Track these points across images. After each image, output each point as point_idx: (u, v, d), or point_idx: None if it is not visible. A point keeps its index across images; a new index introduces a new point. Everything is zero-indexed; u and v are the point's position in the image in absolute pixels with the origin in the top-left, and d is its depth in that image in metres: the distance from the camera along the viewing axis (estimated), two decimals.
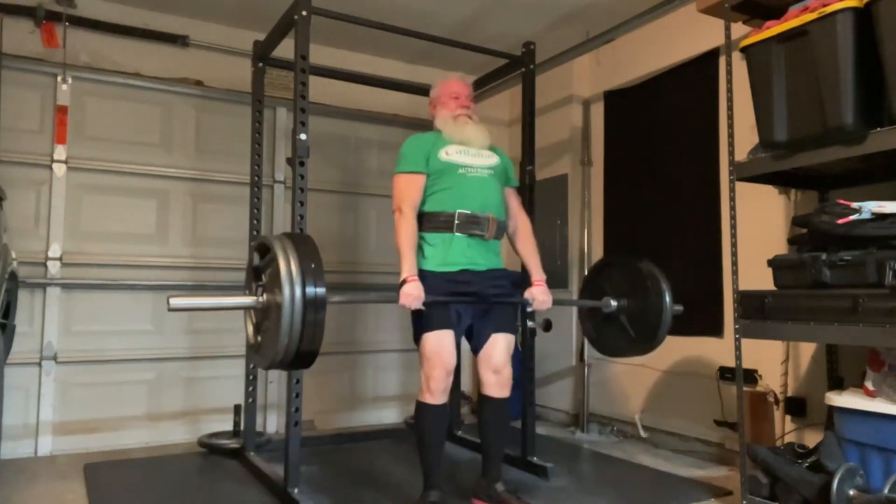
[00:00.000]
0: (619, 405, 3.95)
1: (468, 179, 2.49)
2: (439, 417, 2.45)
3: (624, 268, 2.77)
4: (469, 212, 2.46)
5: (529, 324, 3.08)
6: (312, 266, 1.94)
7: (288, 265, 1.92)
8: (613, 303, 2.70)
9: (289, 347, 1.92)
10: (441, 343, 2.39)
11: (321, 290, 1.93)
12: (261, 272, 2.04)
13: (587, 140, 4.32)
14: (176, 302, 1.85)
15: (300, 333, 1.91)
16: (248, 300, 2.05)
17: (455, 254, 2.45)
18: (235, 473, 3.06)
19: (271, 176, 4.07)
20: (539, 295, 2.57)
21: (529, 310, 2.61)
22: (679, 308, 2.68)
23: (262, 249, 2.04)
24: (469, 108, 2.63)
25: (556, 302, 2.61)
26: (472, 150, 2.55)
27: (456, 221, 2.44)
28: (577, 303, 2.90)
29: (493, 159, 2.60)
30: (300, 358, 1.99)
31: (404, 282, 2.33)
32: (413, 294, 2.30)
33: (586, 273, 3.01)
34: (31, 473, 3.04)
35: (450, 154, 2.50)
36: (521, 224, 2.70)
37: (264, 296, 2.01)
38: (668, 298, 2.60)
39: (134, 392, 3.63)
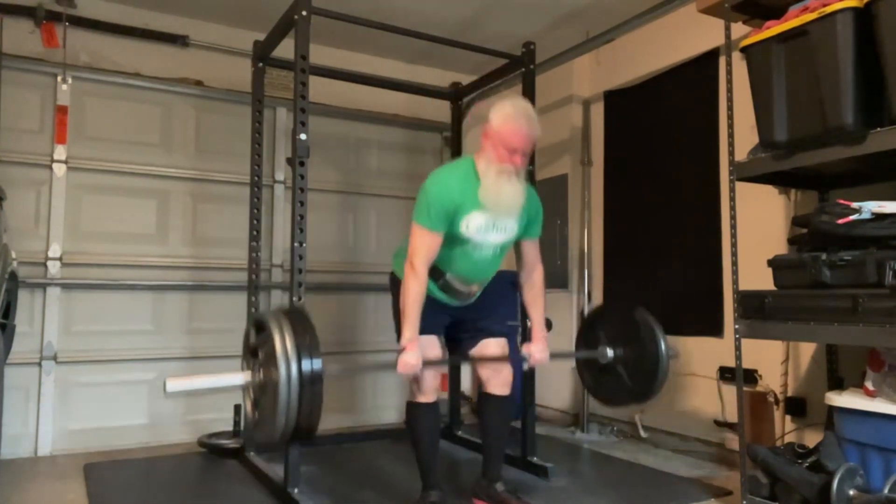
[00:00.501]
0: (619, 405, 3.95)
1: (472, 254, 2.41)
2: (432, 416, 2.46)
3: (618, 316, 2.77)
4: (457, 277, 2.43)
5: (529, 323, 3.07)
6: (308, 342, 1.94)
7: (283, 343, 1.92)
8: (609, 353, 2.69)
9: (287, 424, 1.92)
10: (427, 345, 2.38)
11: (317, 366, 1.94)
12: (257, 350, 2.05)
13: (587, 140, 4.32)
14: (172, 386, 1.87)
15: (297, 410, 1.91)
16: (244, 378, 2.07)
17: (437, 294, 2.46)
18: (235, 473, 3.06)
19: (271, 176, 4.07)
20: (537, 352, 2.50)
21: (526, 367, 2.58)
22: (674, 353, 2.67)
23: (259, 327, 2.06)
24: (522, 165, 2.31)
25: (553, 355, 2.57)
26: (492, 223, 2.36)
27: (441, 280, 2.42)
28: (574, 355, 2.88)
29: (510, 231, 2.43)
30: (299, 434, 1.98)
31: (403, 349, 2.26)
32: (411, 363, 2.23)
33: (581, 322, 2.98)
34: (31, 473, 3.04)
35: (469, 228, 2.33)
36: (535, 278, 2.58)
37: (261, 373, 2.02)
38: (663, 346, 2.59)
39: (134, 392, 3.63)
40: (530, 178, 3.18)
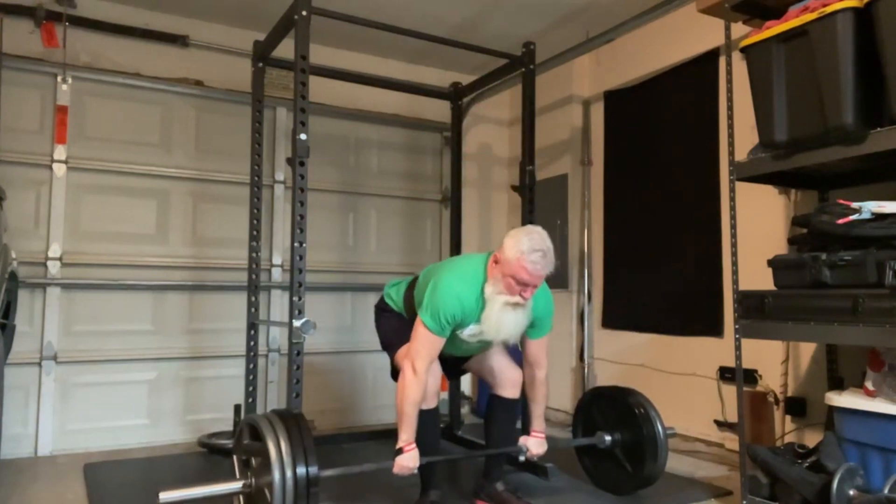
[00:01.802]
0: None
1: (462, 346, 2.44)
2: (431, 420, 2.46)
3: (613, 399, 2.77)
4: (445, 353, 2.42)
5: None
6: (303, 445, 1.96)
7: (278, 449, 1.93)
8: (608, 438, 2.68)
9: None
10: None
11: (313, 470, 1.95)
12: (250, 456, 2.05)
13: (587, 140, 4.32)
14: (165, 497, 1.90)
15: None
16: (237, 486, 2.07)
17: None
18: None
19: (271, 176, 4.07)
20: (534, 447, 2.49)
21: (522, 459, 2.56)
22: (672, 431, 2.67)
23: (253, 431, 2.05)
24: (528, 297, 2.26)
25: (551, 447, 2.56)
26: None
27: None
28: (573, 443, 2.88)
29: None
30: None
31: (400, 450, 2.25)
32: (409, 466, 2.24)
33: (577, 404, 2.97)
34: (31, 473, 3.04)
35: (464, 333, 2.36)
36: (538, 377, 2.54)
37: (253, 480, 2.02)
38: (659, 427, 2.59)
39: (134, 392, 3.63)
40: (531, 180, 3.20)
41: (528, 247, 2.20)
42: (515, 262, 2.19)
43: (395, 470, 2.24)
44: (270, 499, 1.89)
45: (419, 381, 2.25)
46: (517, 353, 2.65)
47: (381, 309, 2.67)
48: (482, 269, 2.33)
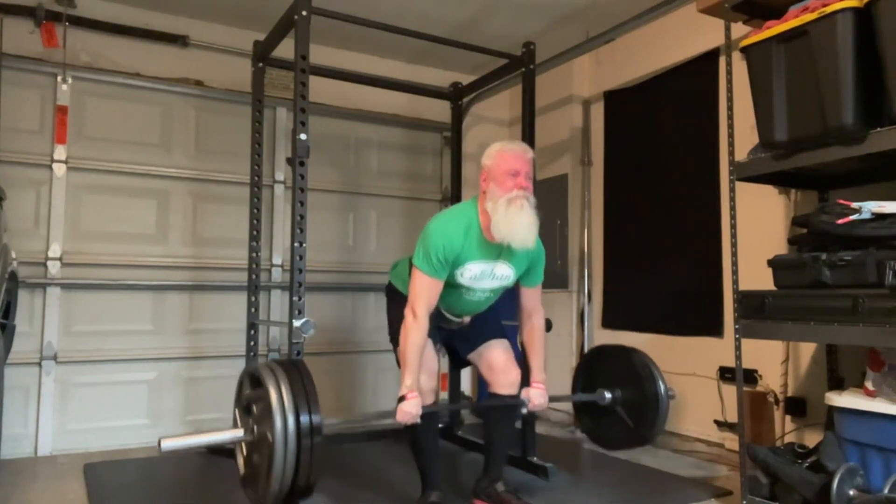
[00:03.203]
0: None
1: (465, 296, 2.44)
2: (430, 418, 2.45)
3: (615, 358, 2.76)
4: (448, 311, 2.46)
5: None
6: (305, 393, 1.90)
7: (279, 395, 1.88)
8: (608, 395, 2.67)
9: (283, 481, 1.87)
10: (424, 355, 2.37)
11: (317, 419, 1.90)
12: (251, 405, 2.02)
13: (587, 140, 4.32)
14: (167, 444, 1.84)
15: (294, 466, 1.86)
16: (238, 434, 2.02)
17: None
18: (235, 473, 3.05)
19: (271, 176, 4.07)
20: (536, 398, 2.49)
21: (524, 411, 2.57)
22: (673, 394, 2.66)
23: (254, 380, 2.02)
24: (528, 189, 2.29)
25: (552, 399, 2.56)
26: (491, 271, 2.37)
27: (432, 312, 2.41)
28: (573, 398, 2.86)
29: (505, 279, 2.43)
30: (296, 492, 1.93)
31: (403, 398, 2.24)
32: (411, 412, 2.22)
33: (576, 364, 2.97)
34: (31, 473, 3.04)
35: (464, 276, 2.35)
36: (536, 325, 2.56)
37: (255, 428, 1.98)
38: (662, 386, 2.58)
39: (134, 392, 3.63)
40: None
41: (502, 144, 2.37)
42: (498, 156, 2.30)
43: (398, 417, 2.22)
44: (272, 446, 1.84)
45: (420, 326, 2.26)
46: (517, 353, 2.65)
47: (391, 292, 2.64)
48: (470, 203, 2.40)
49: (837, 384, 2.67)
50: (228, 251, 3.87)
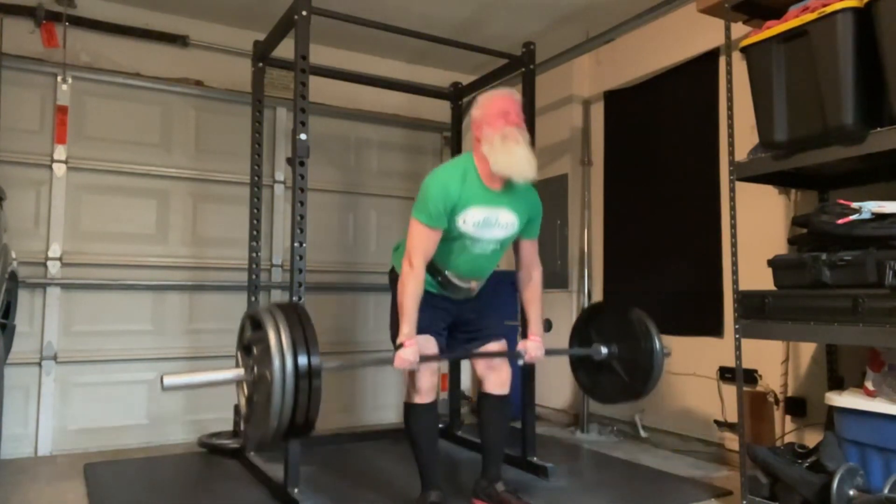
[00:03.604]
0: (618, 405, 3.95)
1: (471, 250, 2.41)
2: (429, 416, 2.45)
3: (613, 315, 2.78)
4: (455, 275, 2.45)
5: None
6: (304, 335, 1.91)
7: (278, 336, 1.89)
8: (604, 350, 2.69)
9: (281, 421, 1.89)
10: (424, 344, 2.37)
11: (315, 360, 1.90)
12: (251, 346, 2.03)
13: (587, 140, 4.32)
14: (169, 382, 1.85)
15: (293, 406, 1.88)
16: (238, 374, 2.05)
17: (436, 289, 2.48)
18: (235, 473, 3.06)
19: (271, 176, 4.07)
20: (532, 350, 2.52)
21: (521, 363, 2.59)
22: (668, 352, 2.68)
23: (254, 322, 2.04)
24: (520, 126, 2.33)
25: (548, 352, 2.58)
26: (494, 218, 2.37)
27: (440, 277, 2.44)
28: (568, 352, 2.89)
29: (511, 226, 2.43)
30: (294, 430, 1.95)
31: (401, 345, 2.26)
32: (409, 359, 2.24)
33: (575, 320, 3.00)
34: (31, 473, 3.04)
35: (467, 223, 2.33)
36: (533, 278, 2.59)
37: (255, 369, 2.00)
38: (657, 343, 2.60)
39: (134, 392, 3.63)
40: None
41: (488, 93, 2.43)
42: (486, 102, 2.38)
43: (396, 363, 2.24)
44: (270, 384, 1.86)
45: (416, 276, 2.30)
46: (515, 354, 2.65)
47: (392, 279, 2.61)
48: (466, 155, 2.46)
49: (837, 384, 2.67)
50: (228, 251, 3.87)
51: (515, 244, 2.55)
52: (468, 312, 2.57)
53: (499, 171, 2.28)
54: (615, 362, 2.70)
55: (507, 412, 2.59)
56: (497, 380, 2.53)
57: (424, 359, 2.31)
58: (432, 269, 2.40)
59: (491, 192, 2.36)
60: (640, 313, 2.70)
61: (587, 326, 2.86)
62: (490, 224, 2.38)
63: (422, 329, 2.35)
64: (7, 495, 2.69)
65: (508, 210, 2.40)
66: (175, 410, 3.72)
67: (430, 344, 2.42)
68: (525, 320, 2.65)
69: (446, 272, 2.44)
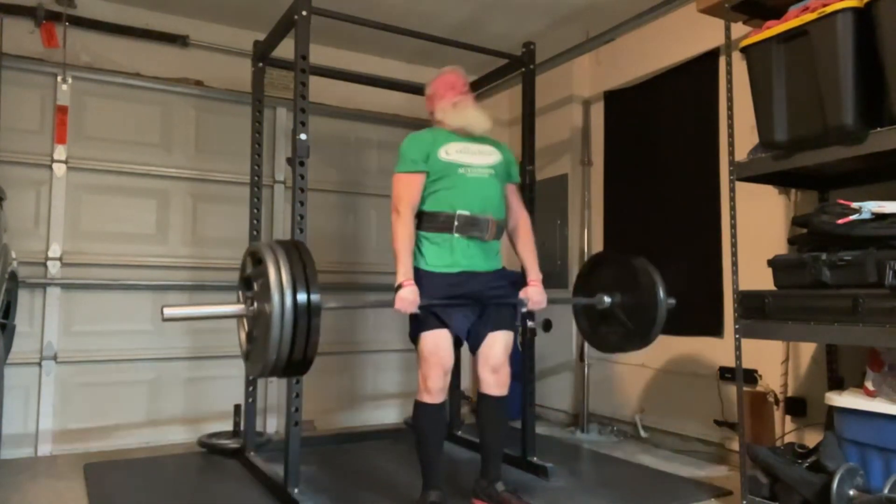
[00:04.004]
0: (618, 405, 3.95)
1: (468, 180, 2.47)
2: (438, 416, 2.46)
3: (616, 264, 2.79)
4: (469, 213, 2.44)
5: (529, 324, 3.08)
6: (304, 272, 1.91)
7: (278, 272, 1.89)
8: (607, 299, 2.71)
9: (279, 356, 1.89)
10: (438, 343, 2.39)
11: (315, 297, 1.90)
12: (252, 281, 2.03)
13: (587, 140, 4.32)
14: (169, 312, 1.86)
15: (291, 342, 1.89)
16: (238, 308, 2.05)
17: (455, 255, 2.44)
18: (235, 473, 3.06)
19: (271, 176, 4.07)
20: (534, 295, 2.56)
21: (524, 310, 2.60)
22: (672, 301, 2.69)
23: (254, 258, 2.03)
24: (467, 94, 2.61)
25: (550, 300, 2.61)
26: (473, 148, 2.51)
27: (455, 223, 2.43)
28: (572, 300, 2.90)
29: (494, 157, 2.56)
30: (292, 367, 1.96)
31: (400, 286, 2.32)
32: (409, 299, 2.30)
33: (580, 271, 3.02)
34: (31, 473, 3.04)
35: (450, 154, 2.46)
36: (521, 222, 2.68)
37: (254, 304, 1.99)
38: (661, 292, 2.62)
39: (134, 392, 3.63)
40: (530, 178, 3.20)
41: (436, 73, 2.72)
42: (435, 81, 2.67)
43: (396, 305, 2.31)
44: (269, 318, 1.85)
45: (404, 222, 2.40)
46: (516, 352, 2.65)
47: None
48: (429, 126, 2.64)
49: (837, 384, 2.67)
50: (228, 251, 3.86)
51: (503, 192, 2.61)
52: (479, 313, 2.52)
53: (455, 125, 2.51)
54: (618, 311, 2.70)
55: (506, 413, 2.59)
56: (496, 381, 2.53)
57: (426, 303, 2.34)
58: (446, 221, 2.43)
59: (461, 136, 2.54)
60: (644, 262, 2.70)
61: (591, 275, 2.86)
62: (471, 152, 2.51)
63: (437, 324, 2.38)
64: (7, 495, 2.69)
65: (482, 144, 2.56)
66: (175, 410, 3.72)
67: (444, 338, 2.41)
68: (522, 268, 2.68)
69: (458, 213, 2.43)
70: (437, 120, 2.58)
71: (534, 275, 2.61)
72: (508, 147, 2.72)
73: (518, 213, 2.68)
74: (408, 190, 2.44)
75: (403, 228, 2.39)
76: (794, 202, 3.05)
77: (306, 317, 1.90)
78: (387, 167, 4.48)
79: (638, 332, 2.66)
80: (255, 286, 2.00)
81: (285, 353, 1.90)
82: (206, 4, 3.77)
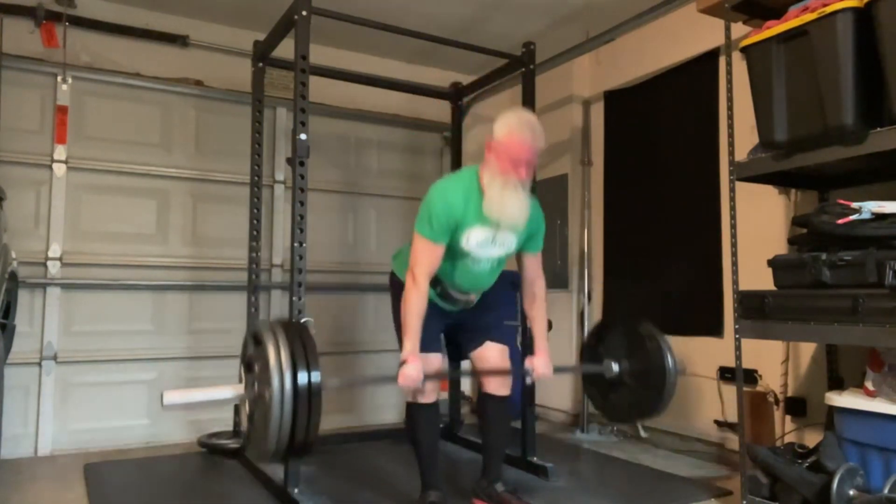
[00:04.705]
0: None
1: (472, 267, 2.41)
2: (431, 416, 2.46)
3: (623, 329, 2.75)
4: (456, 289, 2.45)
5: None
6: (305, 355, 1.89)
7: (277, 353, 1.87)
8: (615, 367, 2.66)
9: (280, 440, 1.87)
10: (428, 361, 2.37)
11: (315, 378, 1.89)
12: (252, 363, 2.03)
13: (587, 140, 4.32)
14: (169, 399, 1.86)
15: (292, 425, 1.87)
16: (238, 392, 2.03)
17: (444, 302, 2.48)
18: (235, 473, 3.06)
19: (271, 176, 4.07)
20: (540, 367, 2.48)
21: (529, 381, 2.58)
22: (683, 367, 2.64)
23: (256, 339, 2.03)
24: (527, 178, 2.31)
25: (556, 370, 2.55)
26: (496, 238, 2.37)
27: (439, 288, 2.42)
28: (579, 369, 2.84)
29: (508, 246, 2.43)
30: (293, 450, 1.94)
31: (405, 362, 2.24)
32: (413, 376, 2.21)
33: (584, 337, 2.97)
34: (31, 473, 3.04)
35: (469, 243, 2.33)
36: (537, 291, 2.57)
37: (255, 386, 1.98)
38: (670, 359, 2.57)
39: (134, 392, 3.63)
40: (532, 187, 3.19)
41: (518, 124, 2.28)
42: (508, 139, 2.26)
43: (400, 381, 2.21)
44: (268, 403, 1.83)
45: (420, 291, 2.27)
46: (516, 353, 2.65)
47: (395, 283, 2.58)
48: (472, 170, 2.40)
49: (837, 384, 2.66)
50: (228, 251, 3.87)
51: (518, 258, 2.53)
52: (467, 314, 2.56)
53: (490, 215, 2.28)
54: (627, 378, 2.66)
55: (508, 413, 2.59)
56: (497, 381, 2.53)
57: (429, 376, 2.29)
58: (433, 281, 2.39)
59: (491, 222, 2.33)
60: (651, 328, 2.66)
61: (598, 341, 2.82)
62: (488, 243, 2.37)
63: (425, 346, 2.33)
64: (7, 495, 2.69)
65: (507, 231, 2.38)
66: (175, 410, 3.71)
67: (436, 361, 2.43)
68: (531, 337, 2.60)
69: (445, 284, 2.44)
70: (484, 181, 2.32)
71: (541, 344, 2.53)
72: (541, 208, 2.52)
73: (535, 282, 2.56)
74: (429, 258, 2.30)
75: (419, 298, 2.27)
76: (794, 202, 3.05)
77: (306, 398, 1.87)
78: (387, 167, 4.51)
79: (646, 406, 2.61)
80: (256, 368, 2.00)
81: (286, 437, 1.87)
82: (206, 4, 3.77)
